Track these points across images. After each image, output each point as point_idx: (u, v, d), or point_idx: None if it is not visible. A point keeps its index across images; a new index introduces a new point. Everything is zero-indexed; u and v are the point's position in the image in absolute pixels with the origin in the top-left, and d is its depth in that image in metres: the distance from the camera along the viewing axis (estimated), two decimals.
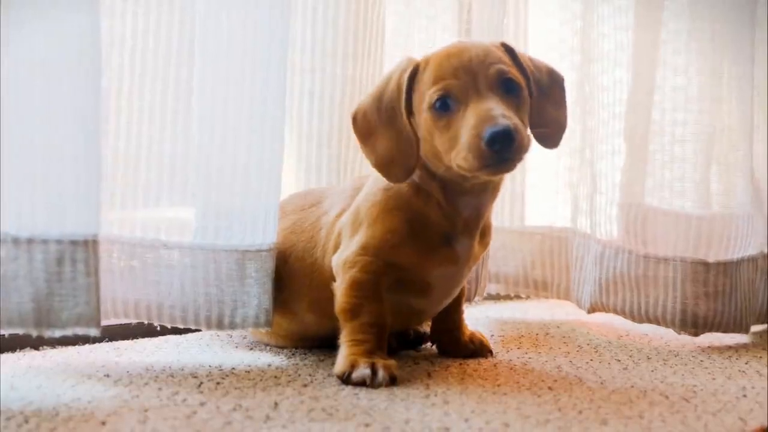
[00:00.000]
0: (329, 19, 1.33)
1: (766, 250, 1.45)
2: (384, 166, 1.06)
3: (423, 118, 1.03)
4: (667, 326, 1.37)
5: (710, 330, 1.36)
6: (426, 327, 1.26)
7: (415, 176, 1.08)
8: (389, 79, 1.07)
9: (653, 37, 1.42)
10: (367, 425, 0.85)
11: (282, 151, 1.13)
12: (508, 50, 1.08)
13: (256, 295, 1.12)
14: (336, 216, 1.13)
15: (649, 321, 1.38)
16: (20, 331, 0.95)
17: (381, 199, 1.08)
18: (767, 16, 1.52)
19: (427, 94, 1.02)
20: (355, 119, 1.09)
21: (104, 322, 1.22)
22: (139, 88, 1.12)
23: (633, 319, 1.40)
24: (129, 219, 1.11)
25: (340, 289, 1.07)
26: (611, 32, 1.43)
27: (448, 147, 1.00)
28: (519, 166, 1.52)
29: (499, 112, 0.97)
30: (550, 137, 1.11)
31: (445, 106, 1.01)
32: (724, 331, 1.36)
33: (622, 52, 1.43)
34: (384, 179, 1.07)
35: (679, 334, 1.37)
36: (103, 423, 0.84)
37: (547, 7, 1.59)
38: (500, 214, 1.55)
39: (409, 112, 1.05)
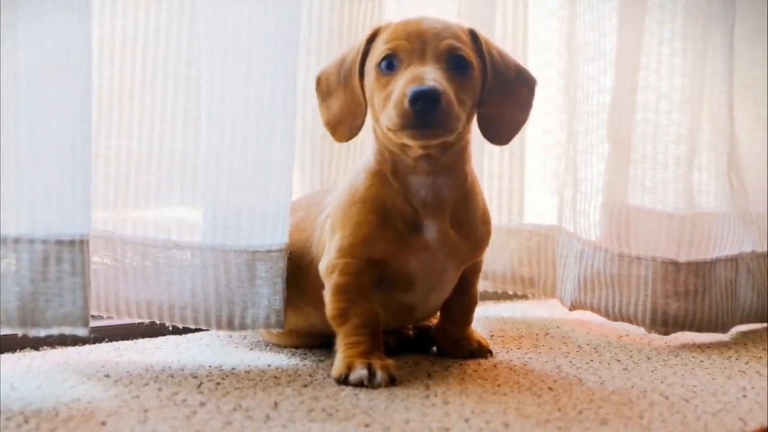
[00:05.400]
0: (314, 18, 1.33)
1: (760, 250, 1.45)
2: (333, 125, 1.10)
3: (370, 77, 1.05)
4: (638, 325, 1.37)
5: (682, 329, 1.35)
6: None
7: (373, 159, 1.09)
8: (354, 44, 1.10)
9: (637, 38, 1.41)
10: (367, 425, 0.85)
11: (293, 149, 1.13)
12: (473, 36, 1.08)
13: (266, 295, 1.11)
14: (325, 218, 1.14)
15: (623, 319, 1.38)
16: (5, 330, 0.95)
17: (345, 197, 1.10)
18: (767, 16, 1.52)
19: (376, 53, 1.05)
20: (319, 81, 1.12)
21: (105, 322, 1.23)
22: (150, 87, 1.13)
23: (608, 317, 1.39)
24: (141, 219, 1.12)
25: (326, 295, 1.08)
26: (597, 33, 1.42)
27: (382, 107, 1.02)
28: (513, 164, 1.55)
29: (430, 76, 0.98)
30: (500, 133, 1.11)
31: (390, 66, 1.03)
32: (698, 331, 1.36)
33: (606, 53, 1.42)
34: (351, 180, 1.10)
35: (649, 332, 1.37)
36: (103, 423, 0.84)
37: (549, 5, 1.58)
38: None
39: (363, 74, 1.07)
